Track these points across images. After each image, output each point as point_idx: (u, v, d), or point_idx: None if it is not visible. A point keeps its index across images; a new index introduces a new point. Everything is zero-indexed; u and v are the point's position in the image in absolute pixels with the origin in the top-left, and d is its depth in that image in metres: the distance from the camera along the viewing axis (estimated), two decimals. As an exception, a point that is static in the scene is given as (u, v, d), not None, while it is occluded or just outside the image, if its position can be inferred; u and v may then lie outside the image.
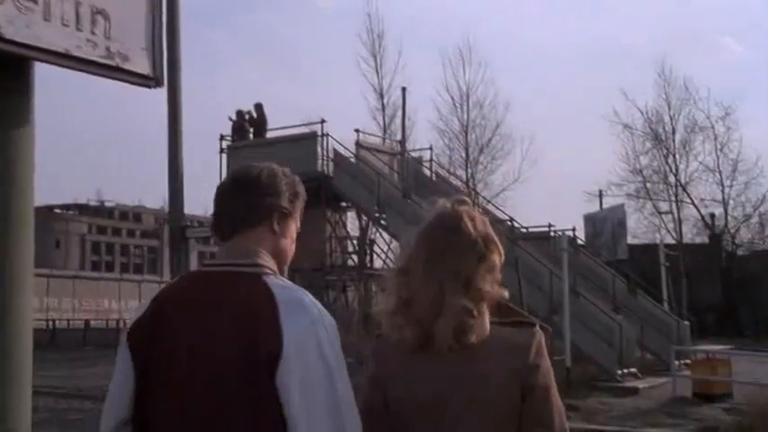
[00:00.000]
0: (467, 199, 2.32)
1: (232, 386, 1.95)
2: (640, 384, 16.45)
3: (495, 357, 2.10)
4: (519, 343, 2.12)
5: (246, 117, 23.67)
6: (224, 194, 2.19)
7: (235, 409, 1.94)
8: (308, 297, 2.06)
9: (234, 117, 23.60)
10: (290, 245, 2.23)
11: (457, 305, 2.08)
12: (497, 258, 2.19)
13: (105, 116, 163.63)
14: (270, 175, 2.19)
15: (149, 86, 3.18)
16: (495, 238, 2.21)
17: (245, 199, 2.14)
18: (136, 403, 2.12)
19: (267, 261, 2.11)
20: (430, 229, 2.20)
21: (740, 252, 41.98)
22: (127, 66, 3.00)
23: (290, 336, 1.93)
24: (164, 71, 3.24)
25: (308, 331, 1.96)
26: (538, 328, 2.17)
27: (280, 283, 2.05)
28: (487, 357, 2.10)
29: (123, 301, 47.31)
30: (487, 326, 2.13)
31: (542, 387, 2.10)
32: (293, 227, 2.25)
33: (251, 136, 23.61)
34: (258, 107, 23.60)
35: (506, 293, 2.18)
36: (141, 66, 3.07)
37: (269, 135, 23.48)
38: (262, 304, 1.98)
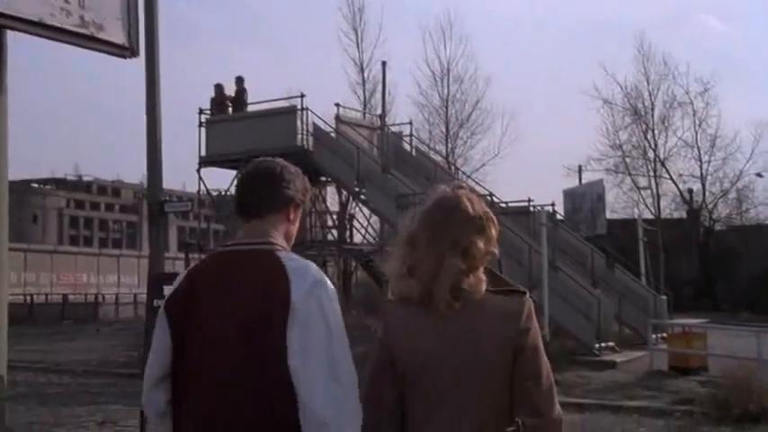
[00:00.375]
0: (464, 184, 2.66)
1: (249, 342, 2.36)
2: (618, 358, 16.60)
3: (490, 322, 2.38)
4: (511, 309, 2.41)
5: (227, 92, 23.44)
6: (250, 183, 2.63)
7: (252, 359, 2.35)
8: (313, 266, 2.47)
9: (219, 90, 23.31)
10: (296, 230, 2.68)
11: (454, 266, 2.38)
12: (494, 232, 2.50)
13: (83, 89, 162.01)
14: (289, 171, 2.67)
15: (124, 56, 3.14)
16: (492, 215, 2.52)
17: (269, 189, 2.59)
18: (173, 360, 2.51)
19: (279, 240, 2.55)
20: (432, 207, 2.52)
21: (718, 227, 42.33)
22: (101, 35, 2.95)
23: (297, 293, 2.35)
24: (139, 41, 3.19)
25: (312, 290, 2.38)
26: (527, 296, 2.46)
27: (289, 256, 2.50)
28: (483, 322, 2.38)
29: (102, 276, 47.06)
30: (483, 288, 2.42)
31: (532, 348, 2.39)
32: (299, 215, 2.71)
33: (230, 110, 23.40)
34: (239, 80, 23.37)
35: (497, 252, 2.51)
36: (116, 35, 3.03)
37: (249, 109, 23.29)
38: (274, 272, 2.41)
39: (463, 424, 2.37)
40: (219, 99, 23.24)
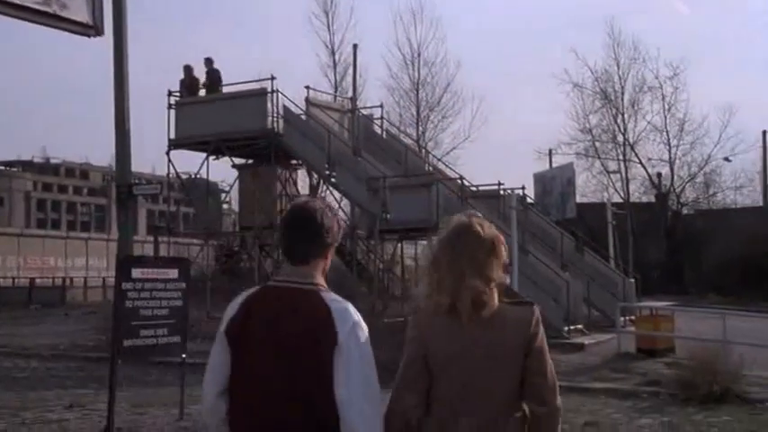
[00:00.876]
0: (478, 213, 3.15)
1: (298, 367, 2.88)
2: (586, 340, 16.74)
3: (505, 328, 2.89)
4: (522, 318, 2.92)
5: (196, 74, 23.18)
6: (296, 234, 3.05)
7: (301, 378, 2.88)
8: (351, 307, 2.97)
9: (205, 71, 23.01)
10: (330, 261, 3.13)
11: (473, 285, 2.88)
12: (503, 250, 3.00)
13: (50, 70, 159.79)
14: (327, 216, 3.04)
15: (89, 35, 3.08)
16: (501, 238, 3.01)
17: (313, 240, 3.02)
18: (232, 376, 2.97)
19: (320, 280, 3.03)
20: (450, 234, 3.00)
21: (685, 211, 42.75)
22: (65, 13, 2.90)
23: (342, 334, 2.86)
24: (104, 20, 3.13)
25: (353, 331, 2.89)
26: (535, 306, 2.97)
27: (332, 297, 2.97)
28: (499, 327, 2.89)
29: (70, 260, 46.58)
30: (496, 302, 2.92)
31: (539, 350, 2.90)
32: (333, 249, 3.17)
33: (203, 92, 23.16)
34: (208, 62, 23.14)
35: (508, 280, 3.00)
36: (80, 14, 2.98)
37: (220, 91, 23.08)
38: (321, 312, 2.90)
39: (480, 409, 2.88)
40: (189, 81, 23.01)
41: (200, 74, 23.10)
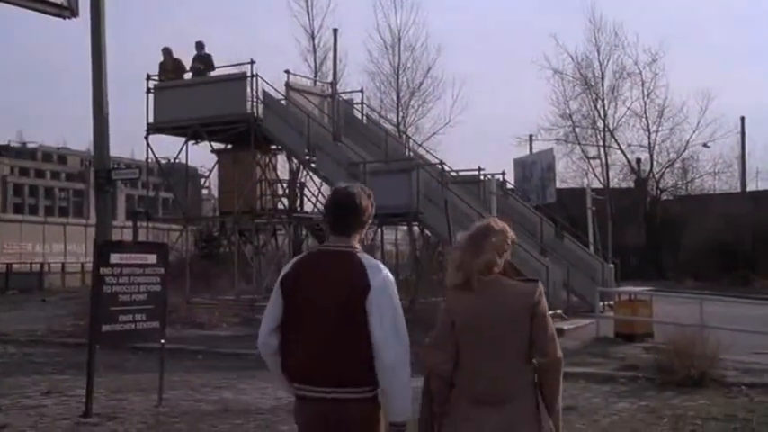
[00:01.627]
0: (496, 218, 4.14)
1: (341, 306, 3.68)
2: (566, 325, 16.80)
3: (512, 297, 3.71)
4: (528, 290, 3.73)
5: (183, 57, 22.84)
6: (340, 212, 3.87)
7: (342, 319, 3.68)
8: (381, 264, 3.82)
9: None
10: (364, 233, 4.06)
11: (488, 257, 3.76)
12: (509, 239, 3.87)
13: (26, 52, 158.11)
14: (363, 198, 3.87)
15: (63, 17, 3.03)
16: (508, 230, 3.90)
17: (352, 219, 3.85)
18: (284, 317, 3.81)
19: (357, 246, 3.86)
20: (474, 231, 3.88)
21: (664, 197, 43.00)
22: (38, -7, 2.83)
23: (374, 283, 3.68)
24: (78, 1, 3.07)
25: (383, 281, 3.71)
26: (539, 282, 3.82)
27: (366, 256, 3.82)
28: (508, 298, 3.71)
29: (48, 245, 46.13)
30: (500, 275, 3.79)
31: (542, 315, 3.71)
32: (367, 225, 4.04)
33: (187, 75, 22.88)
34: (200, 46, 22.83)
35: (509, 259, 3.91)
36: (54, -6, 2.91)
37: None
38: (357, 266, 3.73)
39: (497, 363, 3.66)
40: (173, 64, 22.71)
41: (188, 58, 22.79)
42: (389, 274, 3.78)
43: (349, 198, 3.87)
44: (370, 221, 3.98)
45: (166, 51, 22.91)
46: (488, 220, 3.99)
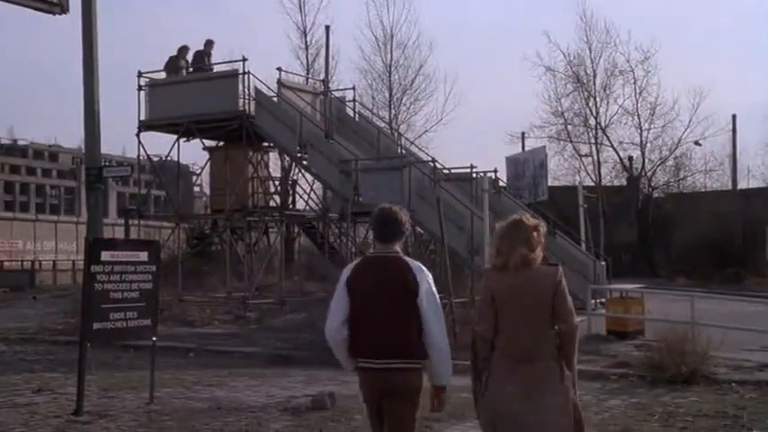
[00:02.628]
0: (526, 213, 5.11)
1: (401, 301, 4.82)
2: (557, 323, 16.82)
3: (540, 279, 4.60)
4: (552, 272, 4.63)
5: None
6: (386, 225, 5.01)
7: (401, 309, 4.82)
8: (422, 265, 4.96)
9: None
10: (404, 242, 5.28)
11: (523, 251, 4.61)
12: (542, 233, 4.73)
13: (16, 49, 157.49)
14: (404, 215, 5.03)
15: (53, 13, 3.01)
16: (539, 224, 4.75)
17: (395, 231, 5.00)
18: (350, 310, 4.92)
19: (400, 251, 5.01)
20: (509, 223, 4.77)
21: (656, 194, 43.06)
22: (27, -11, 2.81)
23: (421, 281, 4.84)
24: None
25: (427, 281, 4.88)
26: (560, 266, 4.71)
27: (409, 260, 5.00)
28: (536, 278, 4.60)
29: (39, 243, 45.99)
30: (538, 263, 4.65)
31: (562, 291, 4.59)
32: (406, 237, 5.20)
33: (184, 72, 22.79)
34: (208, 43, 22.72)
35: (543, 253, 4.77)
36: (43, -10, 2.90)
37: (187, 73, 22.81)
38: (407, 268, 4.89)
39: (530, 331, 4.56)
40: (173, 62, 22.53)
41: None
42: (427, 272, 4.97)
43: (392, 215, 5.02)
44: (407, 232, 5.18)
45: (184, 49, 22.66)
46: (520, 216, 4.82)
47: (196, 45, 22.96)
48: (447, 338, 4.90)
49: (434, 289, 4.92)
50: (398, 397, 4.87)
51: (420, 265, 4.97)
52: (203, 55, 22.61)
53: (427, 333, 4.82)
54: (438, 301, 4.92)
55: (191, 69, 22.71)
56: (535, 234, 4.68)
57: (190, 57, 22.76)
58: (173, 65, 22.51)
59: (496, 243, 4.76)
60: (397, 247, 5.00)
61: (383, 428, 5.01)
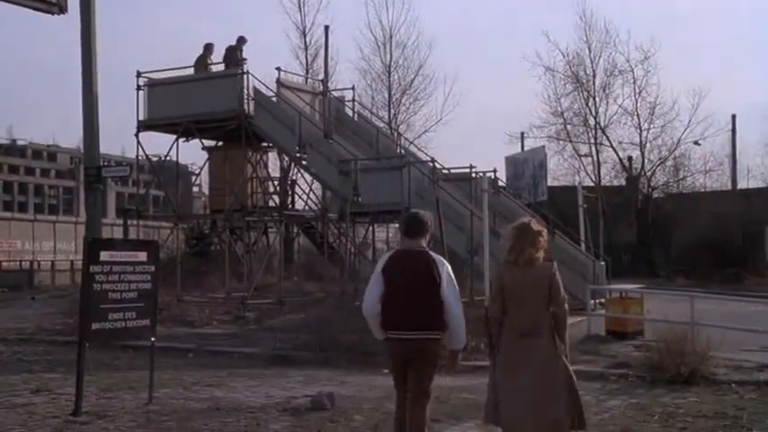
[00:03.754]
0: (533, 217, 6.70)
1: (427, 285, 6.12)
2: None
3: (541, 272, 5.87)
4: (548, 266, 5.90)
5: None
6: (414, 224, 6.33)
7: (426, 292, 6.11)
8: (442, 258, 6.33)
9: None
10: (430, 238, 6.42)
11: (531, 252, 5.89)
12: (545, 236, 5.98)
13: (15, 49, 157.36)
14: (429, 218, 6.44)
15: (52, 13, 2.99)
16: (542, 229, 6.01)
17: (422, 229, 6.33)
18: (384, 291, 6.16)
19: (425, 247, 6.29)
20: (518, 226, 6.02)
21: (655, 194, 43.08)
22: (25, -12, 2.79)
23: (442, 272, 6.17)
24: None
25: (446, 271, 6.21)
26: (554, 261, 6.02)
27: (433, 253, 6.30)
28: (537, 271, 5.87)
29: (37, 243, 45.91)
30: (540, 260, 5.89)
31: (556, 282, 5.85)
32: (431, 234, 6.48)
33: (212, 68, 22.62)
34: (240, 40, 22.61)
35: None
36: (41, -11, 2.88)
37: (187, 72, 22.76)
38: (429, 260, 6.21)
39: (531, 312, 5.83)
40: (204, 60, 22.34)
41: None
42: (446, 263, 6.30)
43: (419, 217, 6.44)
44: (431, 231, 6.46)
45: (210, 46, 22.56)
46: (529, 220, 6.15)
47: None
48: (462, 314, 6.21)
49: (453, 276, 6.23)
50: (422, 359, 6.19)
51: (441, 258, 6.32)
52: (235, 50, 22.40)
53: (447, 310, 6.12)
54: (455, 285, 6.24)
55: (221, 64, 22.44)
56: (540, 238, 5.95)
57: (217, 52, 22.62)
58: (201, 62, 22.33)
59: (510, 243, 5.96)
60: (423, 243, 6.32)
61: (407, 383, 6.28)
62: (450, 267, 6.24)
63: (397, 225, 27.07)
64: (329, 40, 35.05)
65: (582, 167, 42.22)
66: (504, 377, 5.88)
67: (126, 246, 10.64)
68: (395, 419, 6.41)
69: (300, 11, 37.70)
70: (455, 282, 6.23)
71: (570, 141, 42.06)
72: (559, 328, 5.91)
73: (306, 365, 12.81)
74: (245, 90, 21.37)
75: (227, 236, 24.39)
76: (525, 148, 36.35)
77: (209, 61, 22.46)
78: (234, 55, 22.26)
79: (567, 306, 5.96)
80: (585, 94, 41.80)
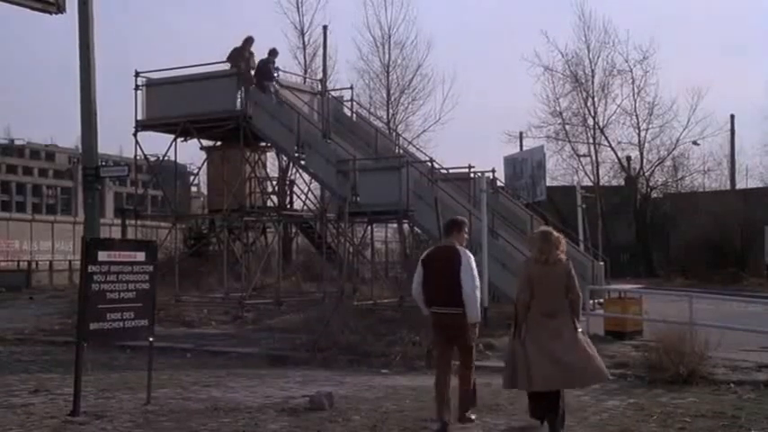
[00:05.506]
0: (551, 227, 8.70)
1: (452, 271, 8.00)
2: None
3: (560, 267, 7.87)
4: (566, 263, 7.93)
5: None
6: (447, 224, 8.53)
7: (452, 276, 7.99)
8: (468, 251, 8.23)
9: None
10: (465, 236, 8.45)
11: (556, 254, 7.89)
12: (564, 245, 8.12)
13: (14, 49, 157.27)
14: (460, 221, 8.50)
15: (50, 12, 2.98)
16: (563, 240, 8.13)
17: (452, 228, 8.41)
18: (424, 277, 8.22)
19: (457, 244, 8.24)
20: (542, 232, 8.24)
21: (654, 194, 43.05)
22: (22, -13, 2.78)
23: (463, 259, 8.04)
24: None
25: (467, 261, 8.06)
26: (570, 260, 8.05)
27: (461, 248, 8.21)
28: (558, 267, 7.86)
29: (35, 243, 45.84)
30: (563, 259, 7.92)
31: (572, 276, 7.88)
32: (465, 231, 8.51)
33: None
34: (272, 52, 22.31)
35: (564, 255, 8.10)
36: (39, -12, 2.86)
37: (186, 72, 22.76)
38: (457, 252, 8.12)
39: (553, 301, 7.74)
40: (242, 53, 21.93)
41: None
42: (470, 254, 8.08)
43: (453, 220, 8.47)
44: (464, 230, 8.31)
45: (248, 41, 22.24)
46: (549, 228, 8.22)
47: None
48: (475, 292, 7.91)
49: (473, 264, 8.02)
50: (458, 329, 7.99)
51: (466, 251, 8.11)
52: (267, 63, 21.99)
53: (462, 290, 7.85)
54: (474, 271, 7.97)
55: (253, 66, 22.14)
56: (562, 243, 7.92)
57: (221, 53, 22.34)
58: (239, 55, 21.97)
59: (539, 246, 7.85)
60: (454, 240, 8.17)
61: (451, 350, 8.22)
62: (472, 258, 8.05)
63: (395, 225, 27.24)
64: (327, 40, 35.01)
65: (581, 167, 42.22)
66: (534, 346, 7.63)
67: (124, 246, 10.62)
68: (436, 392, 8.06)
69: (299, 11, 37.69)
70: (474, 270, 7.97)
71: (569, 141, 42.05)
72: (575, 310, 7.81)
73: (304, 365, 12.80)
74: (244, 90, 21.24)
75: (225, 236, 24.39)
76: (524, 148, 36.33)
77: (247, 54, 22.12)
78: (266, 67, 21.97)
79: (581, 294, 7.89)
80: (584, 93, 41.79)
